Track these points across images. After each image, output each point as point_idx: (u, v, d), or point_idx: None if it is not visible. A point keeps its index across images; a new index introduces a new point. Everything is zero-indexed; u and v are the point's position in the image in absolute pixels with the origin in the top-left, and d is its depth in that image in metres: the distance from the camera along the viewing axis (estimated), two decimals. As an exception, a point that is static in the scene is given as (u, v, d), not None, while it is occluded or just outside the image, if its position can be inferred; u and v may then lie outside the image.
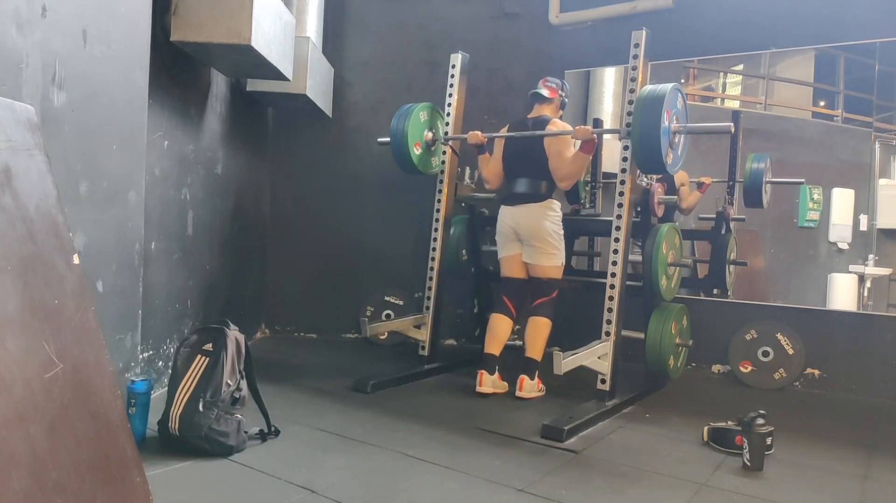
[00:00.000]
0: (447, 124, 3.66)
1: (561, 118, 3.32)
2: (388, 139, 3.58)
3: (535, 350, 3.13)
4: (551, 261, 3.18)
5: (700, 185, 3.99)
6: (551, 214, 3.17)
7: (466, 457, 2.29)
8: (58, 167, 1.83)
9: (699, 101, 4.44)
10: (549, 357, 2.65)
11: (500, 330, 3.23)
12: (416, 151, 3.56)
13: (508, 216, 3.24)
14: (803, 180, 3.93)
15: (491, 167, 3.37)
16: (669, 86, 2.71)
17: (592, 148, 3.09)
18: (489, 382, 3.12)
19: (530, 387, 3.08)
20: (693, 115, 4.48)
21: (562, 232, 3.21)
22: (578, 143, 3.15)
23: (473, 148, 3.39)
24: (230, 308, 3.70)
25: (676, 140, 2.81)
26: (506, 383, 3.17)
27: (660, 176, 4.03)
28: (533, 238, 3.16)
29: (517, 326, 3.34)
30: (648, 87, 2.75)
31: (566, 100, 3.37)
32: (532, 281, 3.26)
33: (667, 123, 2.70)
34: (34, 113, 1.64)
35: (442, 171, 3.63)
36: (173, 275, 2.99)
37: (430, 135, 3.63)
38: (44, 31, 1.85)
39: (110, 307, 2.26)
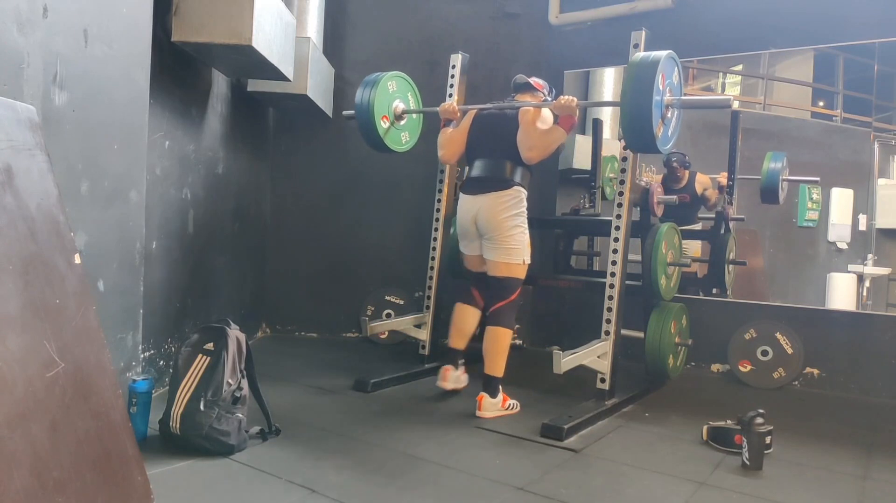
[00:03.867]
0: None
1: None
2: (353, 112, 3.28)
3: (493, 366, 2.83)
4: (511, 257, 2.84)
5: (721, 188, 4.06)
6: (516, 204, 2.82)
7: (466, 457, 2.30)
8: (59, 166, 1.83)
9: (699, 100, 4.45)
10: (549, 356, 2.65)
11: (464, 322, 3.06)
12: (384, 125, 3.23)
13: (468, 206, 2.89)
14: (818, 179, 3.93)
15: (453, 134, 3.06)
16: (664, 52, 2.41)
17: (570, 124, 2.77)
18: (453, 378, 3.03)
19: (491, 405, 2.78)
20: (693, 115, 4.49)
21: (525, 226, 2.88)
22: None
23: (442, 120, 3.12)
24: (231, 307, 3.70)
25: (669, 115, 2.50)
26: (466, 376, 3.12)
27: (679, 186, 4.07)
28: (492, 231, 2.83)
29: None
30: (642, 53, 2.48)
31: (549, 100, 3.04)
32: (489, 281, 2.94)
33: (661, 89, 2.40)
34: (35, 112, 1.65)
35: (442, 171, 3.63)
36: (174, 274, 3.00)
37: (400, 106, 3.30)
38: (45, 30, 1.86)
39: (111, 306, 2.27)
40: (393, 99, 3.30)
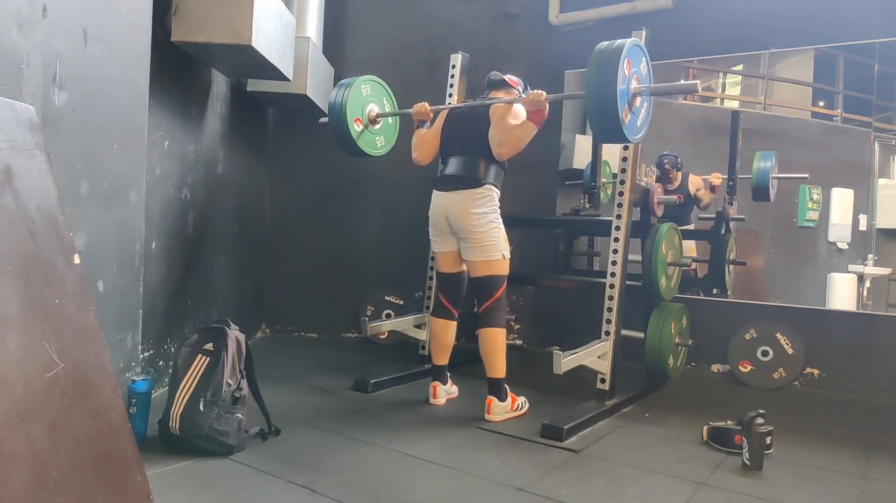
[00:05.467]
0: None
1: None
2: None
3: (494, 368, 2.80)
4: (489, 254, 2.80)
5: (713, 188, 4.09)
6: (484, 203, 2.79)
7: (466, 457, 2.29)
8: (58, 167, 1.83)
9: (699, 100, 4.45)
10: (549, 356, 2.65)
11: (443, 336, 3.01)
12: (357, 128, 3.19)
13: (440, 203, 2.88)
14: (807, 175, 3.94)
15: (426, 135, 3.03)
16: (629, 41, 2.32)
17: (540, 118, 2.70)
18: (442, 393, 3.01)
19: (500, 408, 2.77)
20: (693, 115, 4.49)
21: (499, 222, 2.84)
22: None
23: (416, 121, 3.09)
24: (230, 307, 3.70)
25: (637, 104, 2.40)
26: (456, 386, 3.10)
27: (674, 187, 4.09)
28: (465, 230, 2.80)
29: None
30: (605, 42, 2.35)
31: (522, 96, 3.03)
32: (472, 282, 2.94)
33: (627, 76, 2.30)
34: (35, 113, 1.64)
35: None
36: (174, 274, 2.99)
37: (374, 109, 3.25)
38: (44, 30, 1.85)
39: (111, 306, 2.27)
40: (367, 102, 3.26)
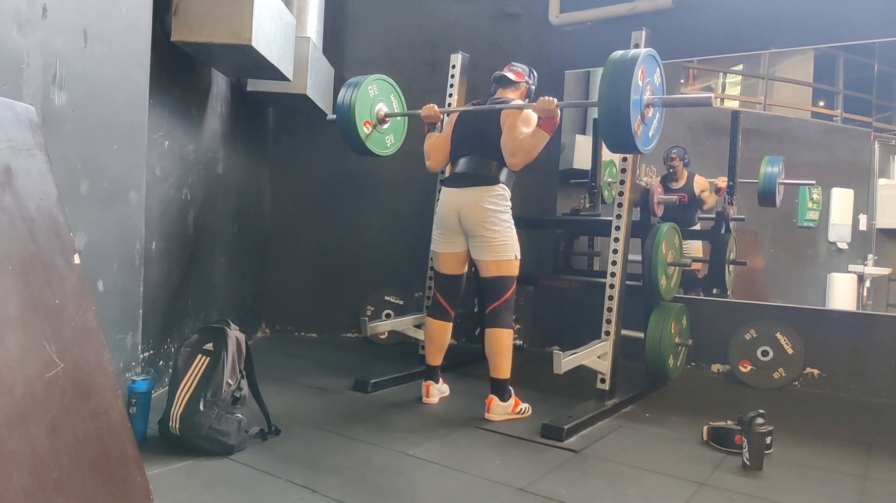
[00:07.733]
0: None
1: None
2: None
3: (498, 368, 2.77)
4: (500, 254, 2.77)
5: (718, 190, 4.08)
6: (498, 201, 2.77)
7: (466, 457, 2.29)
8: (58, 167, 1.83)
9: (699, 100, 4.45)
10: (549, 356, 2.65)
11: (439, 338, 2.99)
12: (366, 130, 3.17)
13: (452, 200, 2.83)
14: (814, 181, 3.94)
15: (437, 141, 3.01)
16: (644, 50, 2.31)
17: (552, 125, 2.65)
18: (436, 392, 3.00)
19: (501, 408, 2.74)
20: (693, 115, 4.49)
21: (512, 222, 2.81)
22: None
23: (426, 124, 3.07)
24: (230, 307, 3.70)
25: (650, 114, 2.37)
26: (446, 385, 3.10)
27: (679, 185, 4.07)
28: (478, 228, 2.76)
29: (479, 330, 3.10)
30: (620, 51, 2.34)
31: (533, 87, 3.03)
32: (481, 282, 2.92)
33: (641, 87, 2.29)
34: (35, 113, 1.65)
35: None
36: (174, 274, 2.99)
37: (382, 109, 3.23)
38: (44, 30, 1.85)
39: (111, 306, 2.27)
40: (375, 103, 3.22)
